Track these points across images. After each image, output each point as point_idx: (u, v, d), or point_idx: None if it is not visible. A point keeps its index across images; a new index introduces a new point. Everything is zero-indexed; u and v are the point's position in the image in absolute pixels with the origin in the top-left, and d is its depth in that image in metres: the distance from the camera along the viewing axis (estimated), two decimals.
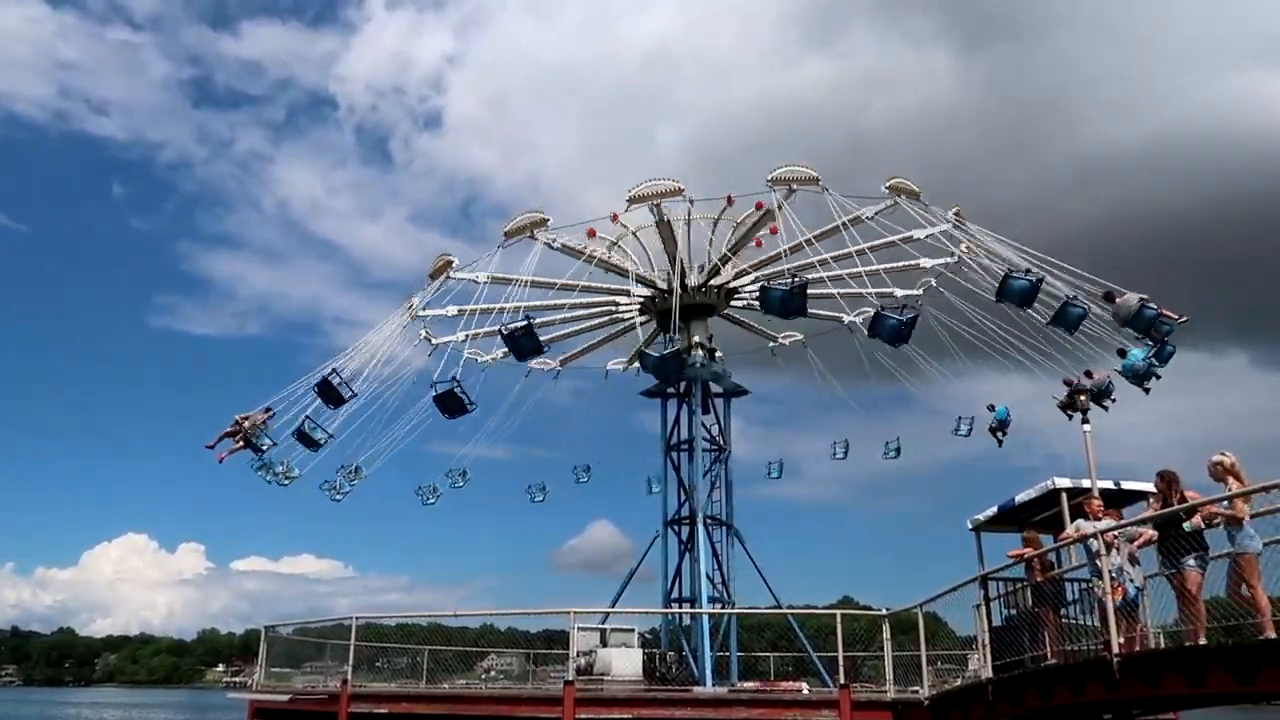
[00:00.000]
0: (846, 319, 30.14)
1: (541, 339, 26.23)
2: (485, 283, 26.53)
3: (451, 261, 27.03)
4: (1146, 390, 21.86)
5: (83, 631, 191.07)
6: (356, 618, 20.62)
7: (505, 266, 26.65)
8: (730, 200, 26.33)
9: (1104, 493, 13.65)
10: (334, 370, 23.80)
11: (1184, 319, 21.41)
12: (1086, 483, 14.33)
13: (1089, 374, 21.08)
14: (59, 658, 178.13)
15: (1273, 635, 9.50)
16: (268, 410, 23.39)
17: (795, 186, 24.47)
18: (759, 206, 25.92)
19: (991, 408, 25.99)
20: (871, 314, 21.52)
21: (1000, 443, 25.85)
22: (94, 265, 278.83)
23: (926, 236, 25.02)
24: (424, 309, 27.41)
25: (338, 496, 26.43)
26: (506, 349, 23.15)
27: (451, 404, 22.72)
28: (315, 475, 25.63)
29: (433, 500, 30.25)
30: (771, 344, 32.95)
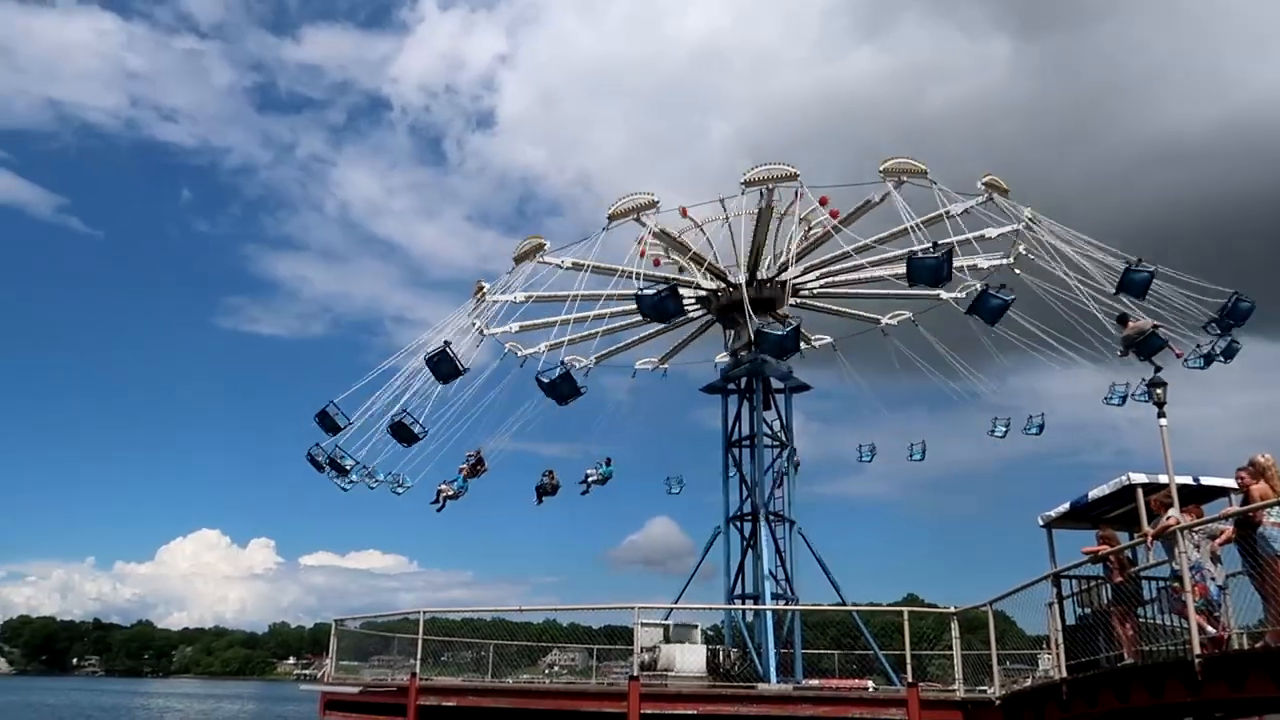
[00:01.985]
0: (883, 321, 30.70)
1: (595, 333, 26.36)
2: (578, 269, 25.98)
3: (542, 245, 26.45)
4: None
5: (160, 624, 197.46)
6: (424, 612, 20.96)
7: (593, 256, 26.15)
8: (823, 201, 25.54)
9: (1182, 488, 13.21)
10: (404, 410, 24.15)
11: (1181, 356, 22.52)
12: (1163, 478, 13.87)
13: (1123, 319, 21.45)
14: (138, 649, 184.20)
15: None
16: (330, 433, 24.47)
17: (905, 179, 24.18)
18: (830, 212, 25.61)
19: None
20: (977, 290, 21.54)
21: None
22: (164, 268, 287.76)
23: (999, 236, 24.64)
24: (495, 295, 27.27)
25: (398, 490, 26.76)
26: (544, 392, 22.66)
27: (565, 389, 22.38)
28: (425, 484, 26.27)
29: (400, 490, 29.62)
30: (803, 345, 32.50)
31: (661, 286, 21.43)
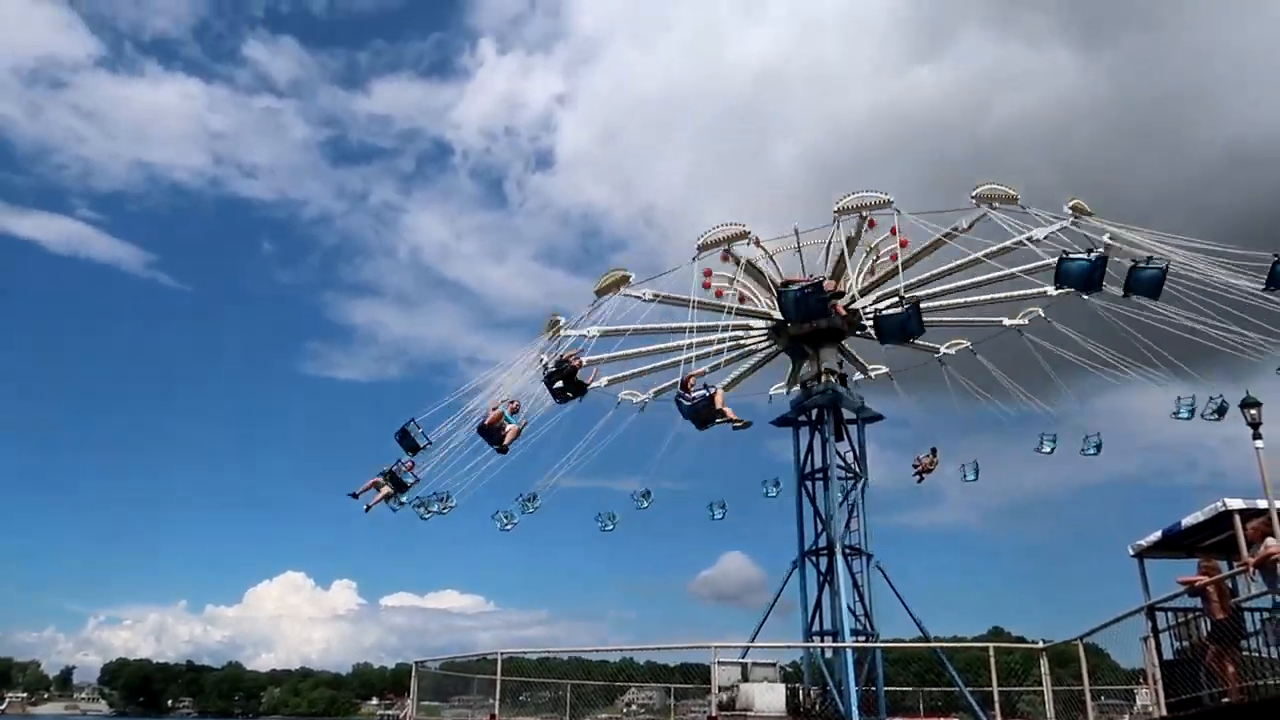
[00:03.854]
0: (941, 350, 30.29)
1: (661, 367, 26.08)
2: (653, 300, 26.30)
3: (627, 277, 26.69)
4: None
5: (249, 666, 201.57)
6: (502, 653, 21.00)
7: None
8: (893, 231, 25.03)
9: None
10: (413, 420, 24.45)
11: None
12: (1262, 503, 13.23)
13: None
14: (229, 690, 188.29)
15: None
16: (410, 452, 24.55)
17: (997, 204, 24.00)
18: (900, 241, 25.30)
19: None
20: (1055, 261, 20.44)
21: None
22: (249, 318, 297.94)
23: (1046, 237, 23.81)
24: (569, 329, 27.38)
25: (508, 527, 27.92)
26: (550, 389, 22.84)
27: (706, 414, 20.96)
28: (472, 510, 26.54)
29: (509, 527, 29.76)
30: (858, 376, 31.98)
31: (699, 395, 20.67)
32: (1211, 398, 26.47)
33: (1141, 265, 20.38)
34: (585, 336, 26.87)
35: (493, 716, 19.74)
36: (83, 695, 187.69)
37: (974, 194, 24.08)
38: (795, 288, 20.71)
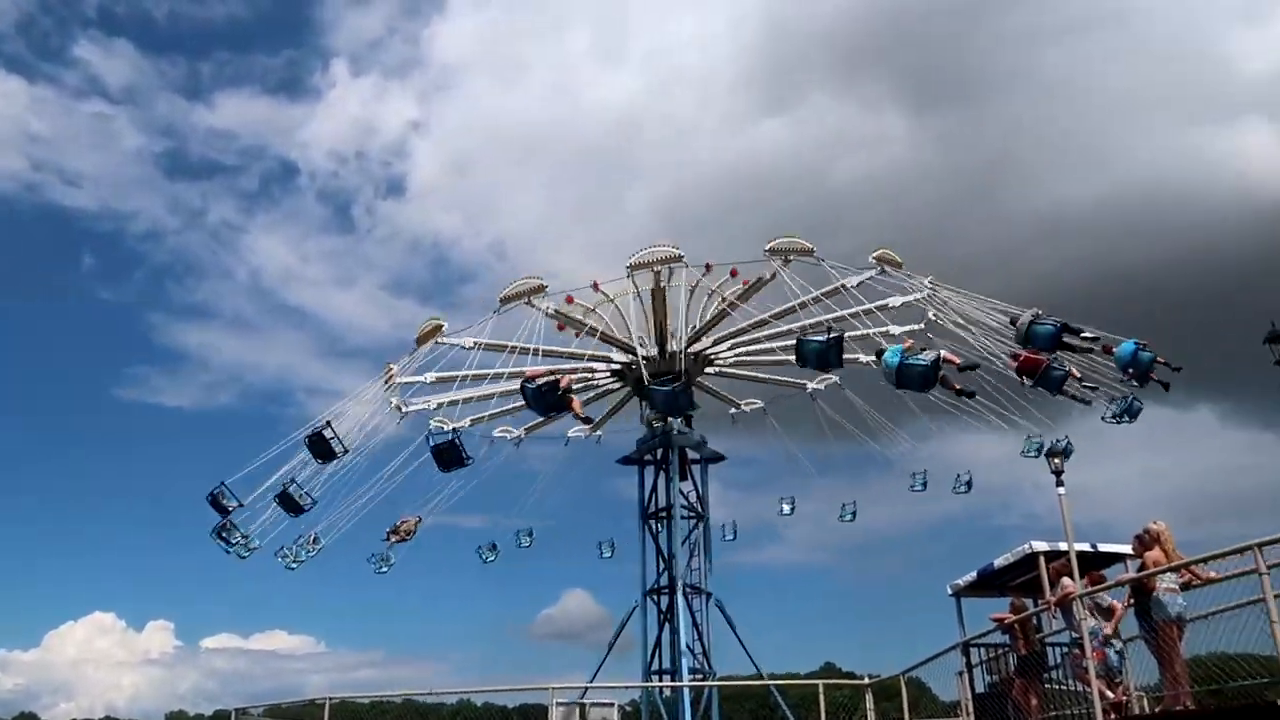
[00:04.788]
0: (810, 386, 30.88)
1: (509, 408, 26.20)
2: (475, 349, 26.43)
3: (440, 326, 26.82)
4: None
5: (45, 716, 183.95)
6: (330, 698, 20.12)
7: (494, 333, 26.71)
8: (734, 273, 26.45)
9: (1081, 555, 13.64)
10: (328, 423, 23.61)
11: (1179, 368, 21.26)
12: (1064, 545, 14.33)
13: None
14: None
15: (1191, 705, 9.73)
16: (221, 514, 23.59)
17: (792, 257, 24.91)
18: (742, 282, 26.35)
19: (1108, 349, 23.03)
20: (794, 341, 20.36)
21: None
22: (62, 336, 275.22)
23: (901, 304, 25.36)
24: (403, 376, 27.20)
25: (292, 565, 26.14)
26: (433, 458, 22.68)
27: (449, 456, 22.47)
28: (275, 544, 25.47)
29: (385, 569, 28.75)
30: (733, 410, 33.00)
31: (544, 380, 20.87)
32: (1030, 436, 27.01)
33: (910, 361, 18.98)
34: (422, 382, 26.80)
35: None
36: None
37: (768, 246, 24.82)
38: (816, 340, 19.78)
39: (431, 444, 22.41)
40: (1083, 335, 20.69)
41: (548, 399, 19.95)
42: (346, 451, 24.00)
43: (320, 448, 23.11)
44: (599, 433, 33.38)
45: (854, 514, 32.61)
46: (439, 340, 26.72)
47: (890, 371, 18.43)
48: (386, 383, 27.28)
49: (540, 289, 26.00)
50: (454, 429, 23.47)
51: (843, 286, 24.92)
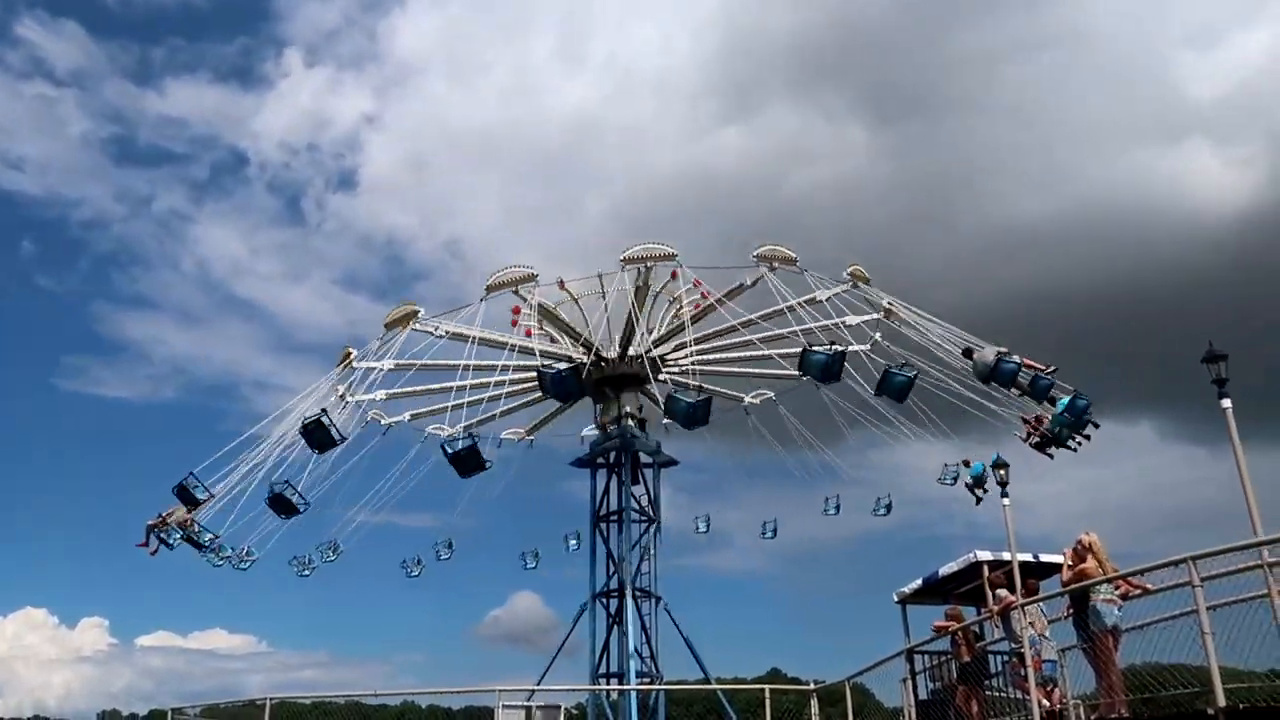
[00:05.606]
0: (746, 399, 31.18)
1: (464, 403, 26.02)
2: (444, 336, 25.97)
3: (416, 312, 26.23)
4: (1075, 447, 23.71)
5: None
6: (270, 699, 19.80)
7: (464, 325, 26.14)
8: (697, 283, 26.30)
9: (1023, 565, 13.93)
10: (287, 483, 23.27)
11: (1052, 369, 23.08)
12: (1007, 555, 14.62)
13: (1038, 420, 23.26)
14: None
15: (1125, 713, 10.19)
16: (189, 507, 23.12)
17: (777, 265, 25.49)
18: (702, 294, 26.47)
19: (966, 463, 26.01)
20: (799, 352, 22.40)
21: (979, 500, 25.51)
22: None
23: (859, 323, 25.91)
24: (362, 362, 26.73)
25: (305, 572, 27.41)
26: (448, 460, 22.12)
27: (470, 462, 21.90)
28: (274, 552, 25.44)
29: (307, 572, 28.51)
30: (745, 402, 33.08)
31: (565, 366, 21.46)
32: (947, 464, 27.98)
33: (894, 370, 22.65)
34: (376, 369, 26.30)
35: None
36: None
37: (755, 253, 25.55)
38: (822, 351, 21.73)
39: (450, 451, 21.73)
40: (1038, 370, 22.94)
41: (569, 384, 21.31)
42: (345, 439, 23.73)
43: (318, 436, 22.50)
44: (532, 438, 33.11)
45: (774, 532, 33.50)
46: (416, 328, 26.03)
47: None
48: (343, 368, 26.83)
49: (530, 278, 25.45)
50: (470, 432, 22.88)
51: (813, 299, 25.61)
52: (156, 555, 22.92)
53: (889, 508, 31.07)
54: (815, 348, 21.99)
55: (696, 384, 24.21)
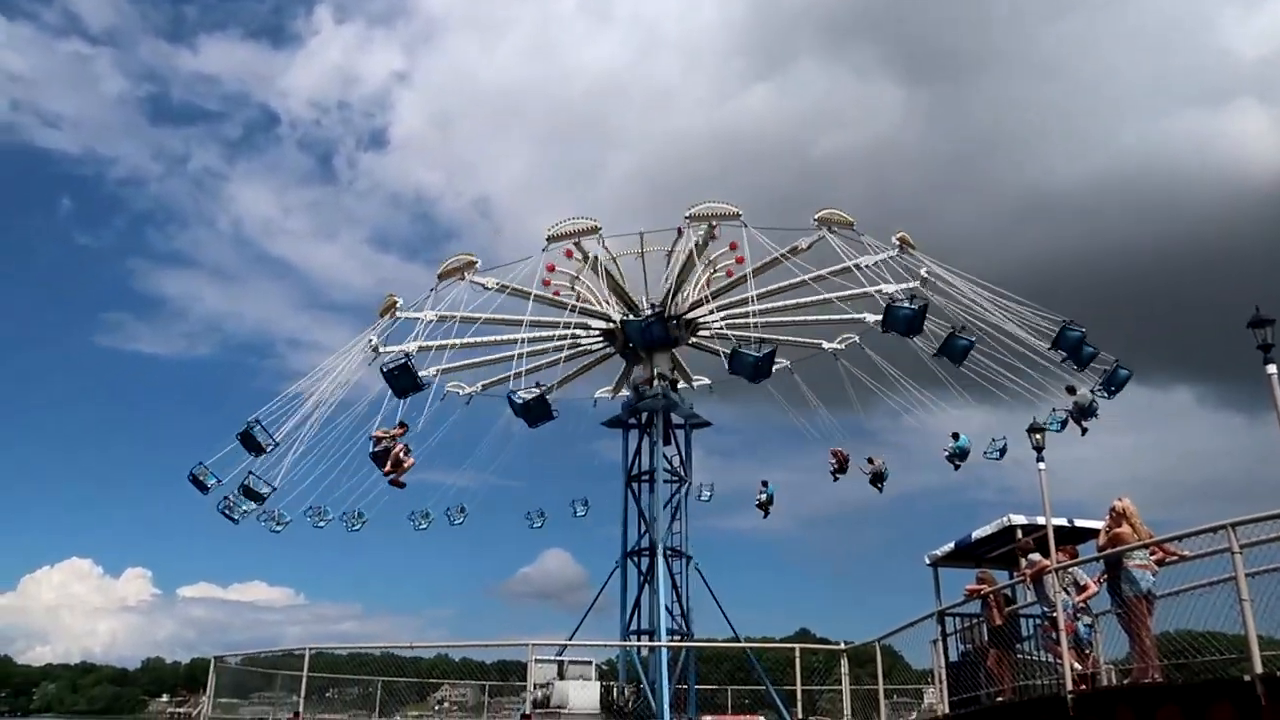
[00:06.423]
0: (826, 346, 30.86)
1: (504, 371, 26.14)
2: (434, 321, 25.85)
3: (473, 262, 26.09)
4: (1084, 430, 25.34)
5: (20, 659, 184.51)
6: (309, 648, 20.26)
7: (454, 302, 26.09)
8: (733, 245, 26.41)
9: (1058, 530, 13.84)
10: (256, 421, 23.67)
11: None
12: (1041, 519, 14.53)
13: (1071, 390, 25.03)
14: None
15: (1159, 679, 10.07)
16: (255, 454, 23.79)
17: (835, 229, 25.55)
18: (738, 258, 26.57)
19: (955, 436, 27.90)
20: (884, 307, 23.02)
21: (956, 467, 27.88)
22: (39, 282, 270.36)
23: (872, 265, 25.62)
24: (406, 311, 26.70)
25: (320, 524, 27.95)
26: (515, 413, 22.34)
27: (404, 381, 22.10)
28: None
29: (322, 524, 28.86)
30: (696, 383, 33.38)
31: (533, 394, 21.58)
32: (994, 439, 28.11)
33: (957, 335, 23.49)
34: (421, 319, 26.06)
35: (296, 715, 18.99)
36: None
37: (816, 216, 25.52)
38: (908, 307, 22.53)
39: (519, 401, 21.68)
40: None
41: (535, 411, 21.55)
42: (276, 445, 23.97)
43: (402, 381, 22.23)
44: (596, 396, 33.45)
45: (1003, 450, 28.79)
46: (471, 280, 25.71)
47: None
48: (386, 315, 26.80)
49: (594, 229, 25.01)
50: (405, 353, 22.97)
51: (856, 267, 25.55)
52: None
53: (1003, 450, 28.25)
54: (899, 302, 22.70)
55: (758, 336, 23.56)
